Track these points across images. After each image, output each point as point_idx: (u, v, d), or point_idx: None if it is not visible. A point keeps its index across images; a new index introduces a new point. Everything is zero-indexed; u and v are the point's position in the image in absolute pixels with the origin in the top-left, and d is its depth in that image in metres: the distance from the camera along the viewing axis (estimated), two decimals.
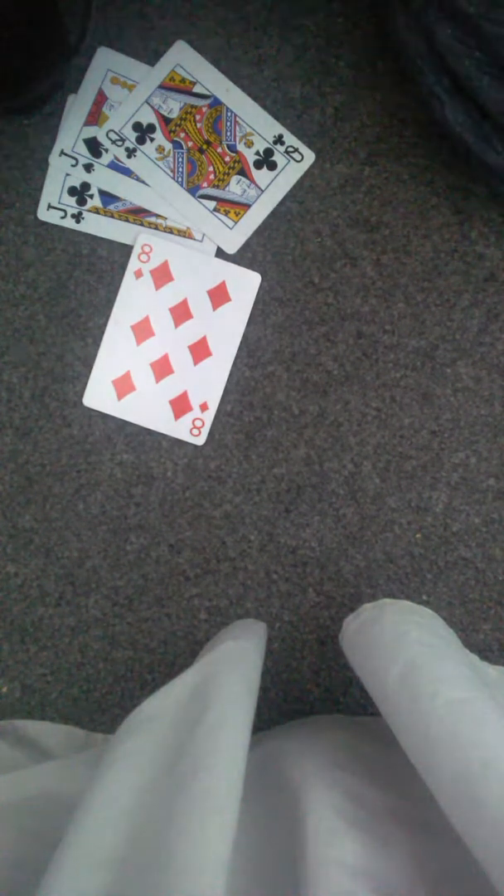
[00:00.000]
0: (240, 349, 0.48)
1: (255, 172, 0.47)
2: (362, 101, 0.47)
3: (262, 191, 0.47)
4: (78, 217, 0.47)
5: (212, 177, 0.47)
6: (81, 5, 0.43)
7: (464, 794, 0.26)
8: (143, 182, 0.47)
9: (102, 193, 0.47)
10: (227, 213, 0.47)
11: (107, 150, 0.47)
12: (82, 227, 0.47)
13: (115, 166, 0.47)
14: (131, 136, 0.47)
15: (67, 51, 0.45)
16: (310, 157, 0.47)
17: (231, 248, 0.47)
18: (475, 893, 0.27)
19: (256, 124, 0.47)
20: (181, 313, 0.48)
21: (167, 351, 0.48)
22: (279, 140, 0.47)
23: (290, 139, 0.47)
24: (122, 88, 0.47)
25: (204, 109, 0.46)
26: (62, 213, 0.47)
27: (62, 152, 0.47)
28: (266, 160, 0.47)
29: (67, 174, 0.47)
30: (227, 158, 0.47)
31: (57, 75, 0.45)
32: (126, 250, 0.48)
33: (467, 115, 0.38)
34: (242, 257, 0.48)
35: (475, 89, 0.37)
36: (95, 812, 0.26)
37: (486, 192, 0.47)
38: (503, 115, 0.37)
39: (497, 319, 0.48)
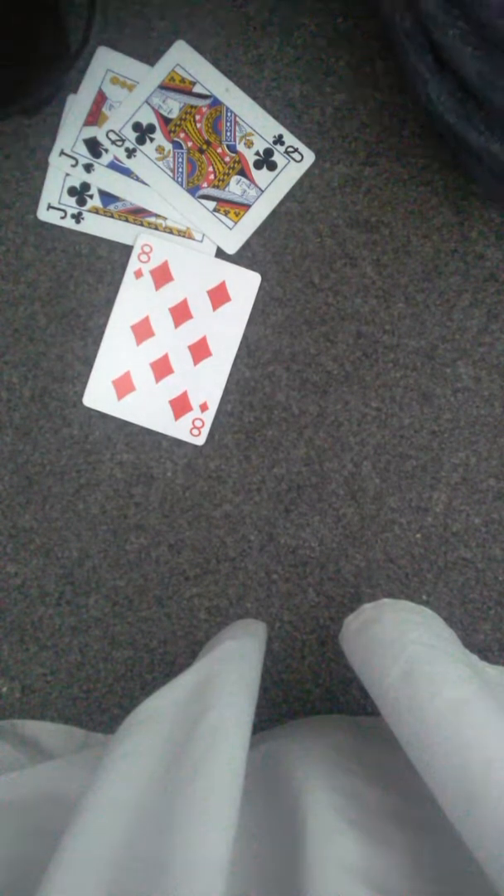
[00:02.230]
0: (240, 349, 0.48)
1: (254, 172, 0.47)
2: (362, 101, 0.47)
3: (262, 191, 0.47)
4: (78, 217, 0.47)
5: (212, 177, 0.47)
6: (84, 10, 0.43)
7: (464, 794, 0.26)
8: (143, 182, 0.47)
9: (102, 193, 0.47)
10: (227, 214, 0.47)
11: (107, 151, 0.47)
12: (82, 227, 0.47)
13: (115, 166, 0.47)
14: (131, 136, 0.47)
15: (69, 55, 0.45)
16: (310, 157, 0.47)
17: (231, 248, 0.47)
18: (475, 893, 0.27)
19: (256, 124, 0.47)
20: (181, 313, 0.48)
21: (167, 351, 0.48)
22: (279, 140, 0.47)
23: (290, 139, 0.47)
24: (122, 88, 0.47)
25: (204, 109, 0.46)
26: (62, 214, 0.47)
27: (62, 152, 0.47)
28: (266, 160, 0.47)
29: (67, 174, 0.47)
30: (227, 158, 0.47)
31: (58, 79, 0.45)
32: (126, 250, 0.48)
33: (450, 94, 0.38)
34: (242, 257, 0.48)
35: (458, 61, 0.36)
36: (95, 812, 0.26)
37: (480, 191, 0.47)
38: (485, 88, 0.36)
39: (497, 319, 0.48)
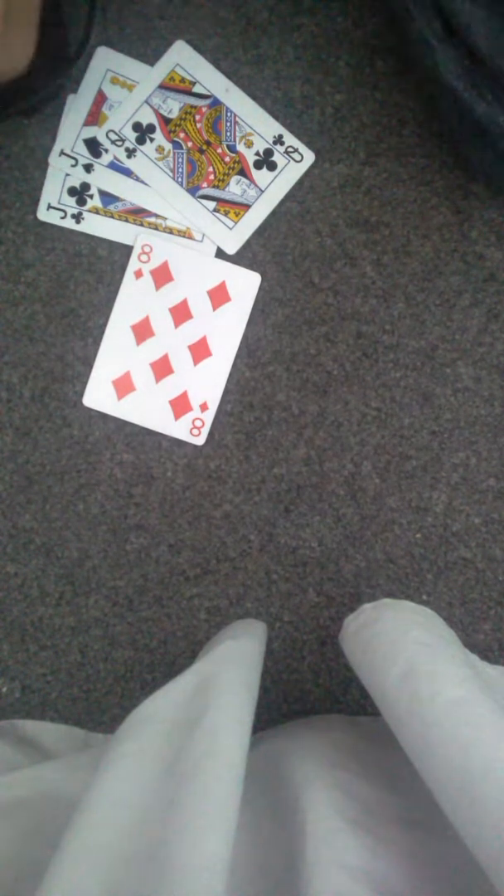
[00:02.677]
0: (240, 349, 0.48)
1: (254, 173, 0.47)
2: (362, 101, 0.47)
3: (262, 191, 0.47)
4: (78, 217, 0.47)
5: (212, 177, 0.47)
6: (84, 10, 0.43)
7: (464, 794, 0.26)
8: (143, 182, 0.47)
9: (102, 193, 0.47)
10: (227, 214, 0.47)
11: (107, 151, 0.47)
12: (82, 227, 0.47)
13: (115, 166, 0.47)
14: (131, 136, 0.47)
15: (69, 55, 0.45)
16: (309, 157, 0.47)
17: (231, 249, 0.47)
18: (475, 893, 0.27)
19: (256, 124, 0.47)
20: (181, 313, 0.48)
21: (167, 351, 0.48)
22: (279, 140, 0.47)
23: (290, 139, 0.47)
24: (122, 88, 0.47)
25: (204, 109, 0.46)
26: (62, 214, 0.47)
27: (62, 152, 0.47)
28: (266, 160, 0.47)
29: (67, 174, 0.47)
30: (227, 159, 0.47)
31: (58, 79, 0.45)
32: (126, 250, 0.48)
33: (458, 61, 0.37)
34: (242, 257, 0.48)
35: (467, 27, 0.35)
36: (95, 812, 0.26)
37: (485, 191, 0.47)
38: (494, 53, 0.35)
39: (497, 319, 0.48)
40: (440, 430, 0.48)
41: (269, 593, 0.49)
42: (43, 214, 0.47)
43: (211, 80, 0.46)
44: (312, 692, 0.49)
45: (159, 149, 0.47)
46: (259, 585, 0.49)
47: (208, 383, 0.48)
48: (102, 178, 0.47)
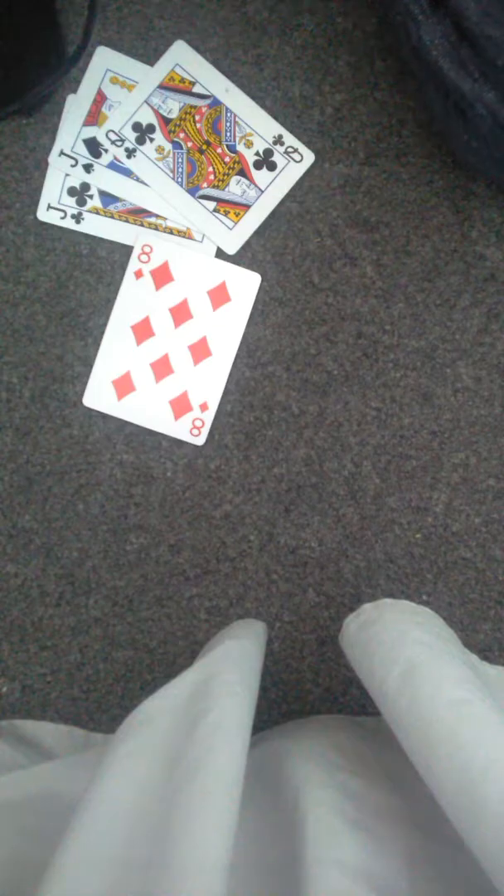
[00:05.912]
0: (240, 349, 0.48)
1: (254, 173, 0.47)
2: (362, 101, 0.47)
3: (262, 191, 0.47)
4: (78, 217, 0.47)
5: (211, 177, 0.47)
6: (84, 10, 0.43)
7: (464, 795, 0.26)
8: (142, 182, 0.47)
9: (102, 194, 0.47)
10: (226, 214, 0.47)
11: (106, 151, 0.47)
12: (82, 227, 0.47)
13: (115, 167, 0.47)
14: (131, 136, 0.47)
15: (67, 55, 0.45)
16: (309, 157, 0.47)
17: (231, 249, 0.47)
18: (475, 893, 0.27)
19: (256, 124, 0.47)
20: (181, 313, 0.48)
21: (167, 351, 0.48)
22: (279, 140, 0.47)
23: (290, 139, 0.47)
24: (122, 88, 0.47)
25: (203, 109, 0.46)
26: (62, 214, 0.47)
27: (62, 152, 0.47)
28: (266, 160, 0.47)
29: (67, 174, 0.47)
30: (227, 159, 0.47)
31: (57, 79, 0.45)
32: (126, 250, 0.48)
33: (444, 37, 0.36)
34: (242, 257, 0.48)
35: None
36: (95, 812, 0.26)
37: (485, 191, 0.47)
38: (482, 22, 0.35)
39: (497, 319, 0.48)
40: (440, 430, 0.48)
41: (269, 593, 0.49)
42: (43, 214, 0.47)
43: (211, 80, 0.46)
44: (312, 692, 0.49)
45: (159, 149, 0.47)
46: (259, 585, 0.49)
47: (208, 383, 0.48)
48: (102, 179, 0.47)
